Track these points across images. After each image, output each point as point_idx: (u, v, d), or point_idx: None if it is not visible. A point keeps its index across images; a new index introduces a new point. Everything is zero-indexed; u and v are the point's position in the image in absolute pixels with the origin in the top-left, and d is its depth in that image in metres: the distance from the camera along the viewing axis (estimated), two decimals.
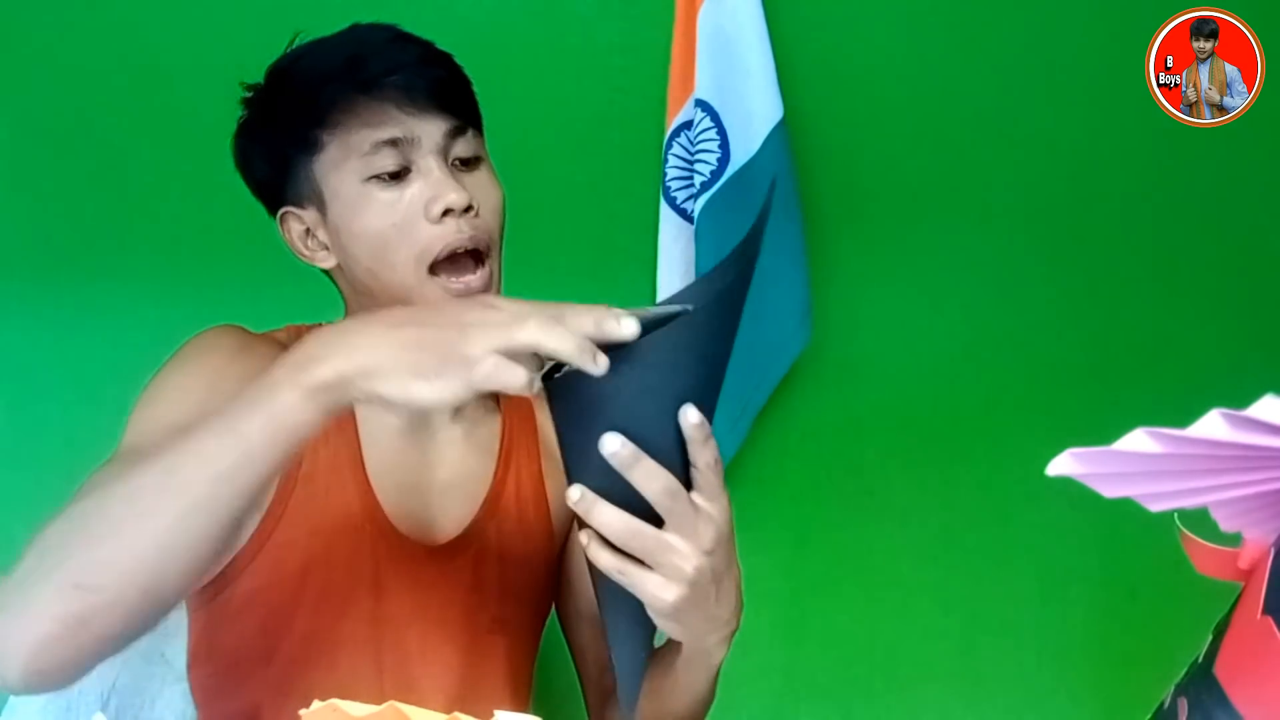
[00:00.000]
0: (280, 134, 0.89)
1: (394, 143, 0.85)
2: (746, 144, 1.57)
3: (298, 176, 0.89)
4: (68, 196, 1.59)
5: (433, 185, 0.86)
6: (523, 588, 0.97)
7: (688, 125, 1.60)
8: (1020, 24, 1.70)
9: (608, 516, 0.64)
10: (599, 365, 0.60)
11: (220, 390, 0.83)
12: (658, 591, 0.66)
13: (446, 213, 0.85)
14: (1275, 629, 0.44)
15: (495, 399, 1.01)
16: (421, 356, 0.62)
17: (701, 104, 1.57)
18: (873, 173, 1.70)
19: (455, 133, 0.88)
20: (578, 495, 0.64)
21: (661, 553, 0.65)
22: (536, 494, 0.98)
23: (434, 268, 0.86)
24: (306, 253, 0.92)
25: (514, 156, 1.65)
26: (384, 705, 0.44)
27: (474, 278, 0.87)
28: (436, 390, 0.61)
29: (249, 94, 0.92)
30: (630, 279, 1.66)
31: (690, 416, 0.64)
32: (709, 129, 1.57)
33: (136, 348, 0.91)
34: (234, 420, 0.64)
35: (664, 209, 1.63)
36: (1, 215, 1.59)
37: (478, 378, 0.60)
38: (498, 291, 0.90)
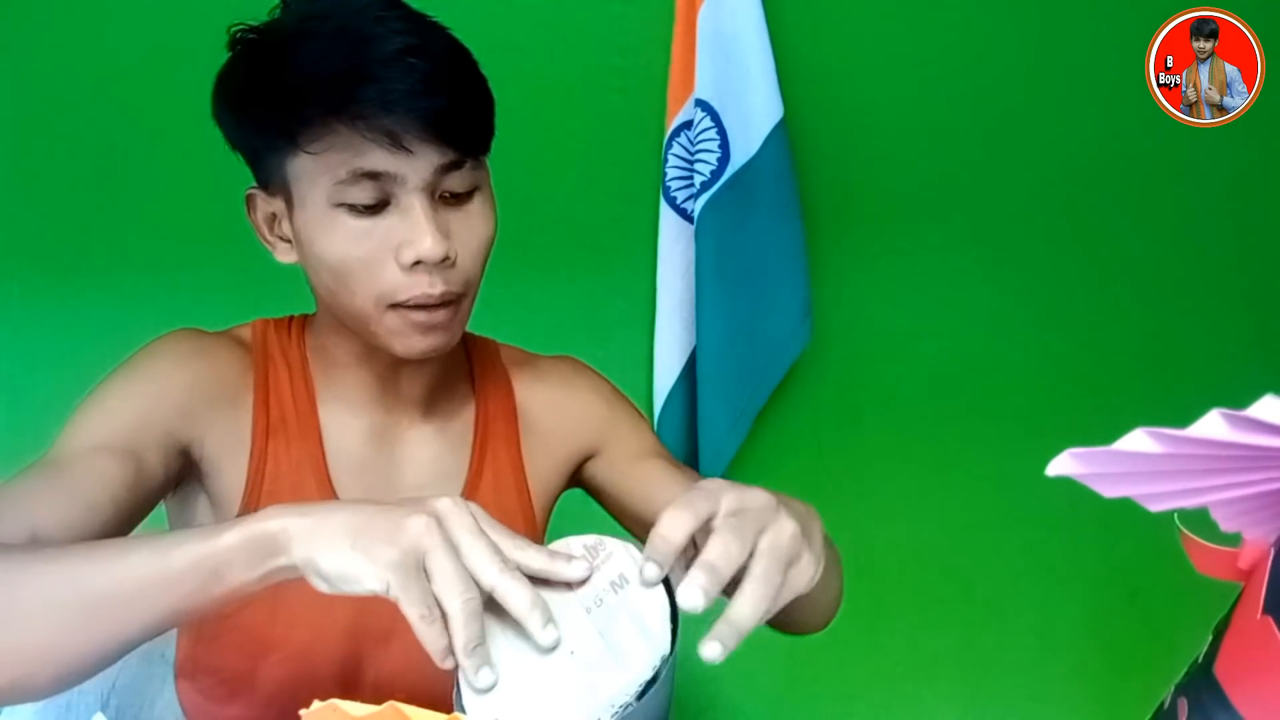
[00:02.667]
0: (252, 127, 0.80)
1: (374, 176, 0.76)
2: (746, 144, 1.57)
3: (268, 168, 0.81)
4: (66, 195, 1.59)
5: (409, 227, 0.77)
6: None
7: (688, 125, 1.60)
8: (1020, 23, 1.70)
9: None
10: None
11: (165, 401, 0.82)
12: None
13: (419, 262, 0.77)
14: (1275, 629, 0.44)
15: (470, 385, 0.97)
16: (367, 532, 0.58)
17: (701, 104, 1.57)
18: (873, 173, 1.70)
19: (450, 167, 0.78)
20: None
21: None
22: (517, 481, 0.95)
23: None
24: (270, 238, 0.85)
25: (514, 157, 1.66)
26: (384, 705, 0.44)
27: (440, 316, 0.80)
28: (360, 566, 0.57)
29: (237, 36, 0.81)
30: (630, 279, 1.66)
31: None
32: (709, 129, 1.57)
33: (137, 347, 0.90)
34: (166, 542, 0.61)
35: (664, 209, 1.63)
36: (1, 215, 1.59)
37: (400, 593, 0.57)
38: (462, 325, 0.84)
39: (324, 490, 0.87)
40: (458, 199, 0.80)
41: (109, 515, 0.73)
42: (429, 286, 0.78)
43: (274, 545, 0.60)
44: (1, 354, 1.59)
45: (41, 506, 0.70)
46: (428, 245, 0.76)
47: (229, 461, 0.86)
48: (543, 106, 1.63)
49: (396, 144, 0.75)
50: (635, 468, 0.97)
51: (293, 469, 0.87)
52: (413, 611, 0.57)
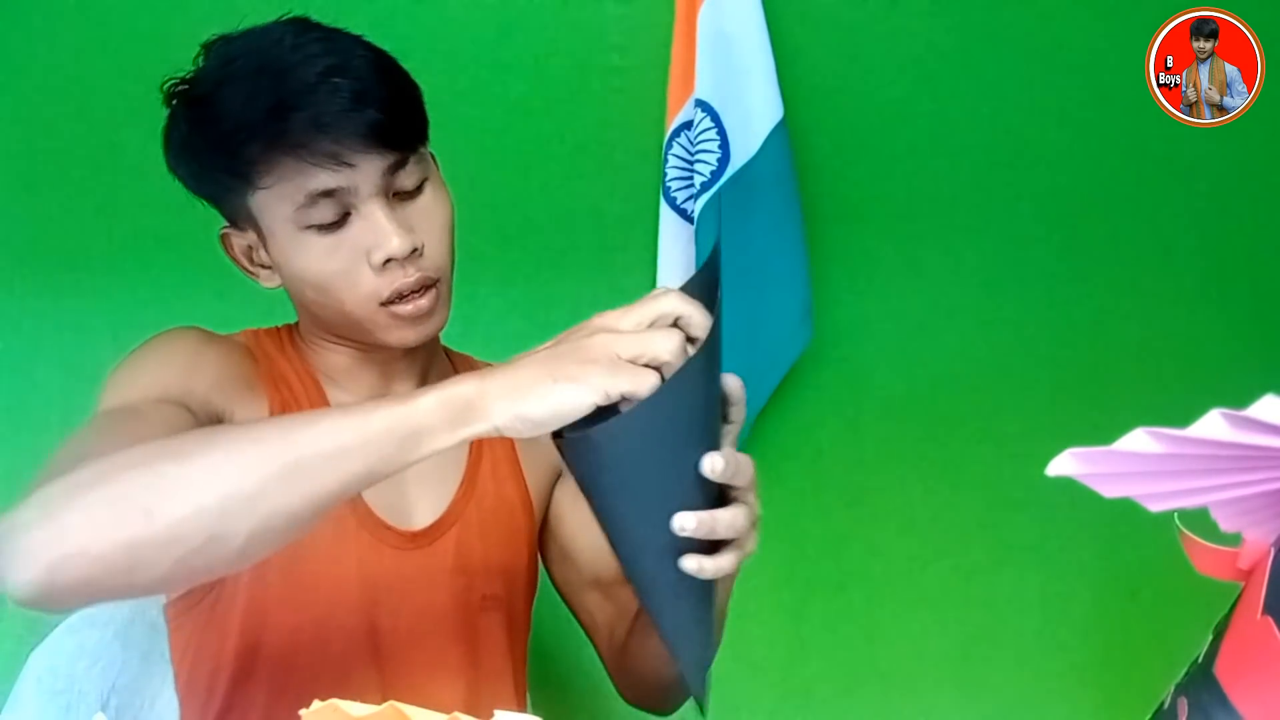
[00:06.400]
0: (205, 175, 0.86)
1: (329, 193, 0.81)
2: (746, 144, 1.57)
3: (233, 205, 0.86)
4: (65, 196, 1.59)
5: (373, 232, 0.82)
6: (509, 563, 0.98)
7: (688, 125, 1.60)
8: (1020, 24, 1.70)
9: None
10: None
11: (201, 371, 0.85)
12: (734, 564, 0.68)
13: (390, 260, 0.82)
14: (1275, 629, 0.44)
15: None
16: (560, 364, 0.63)
17: (701, 104, 1.57)
18: (873, 173, 1.70)
19: (395, 167, 0.83)
20: (693, 524, 0.64)
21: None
22: (512, 470, 0.99)
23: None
24: (251, 269, 0.90)
25: (514, 157, 1.66)
26: (384, 705, 0.44)
27: (424, 300, 0.85)
28: (574, 394, 0.61)
29: (171, 91, 0.87)
30: (630, 279, 1.66)
31: (714, 465, 0.64)
32: (709, 129, 1.57)
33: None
34: (358, 409, 0.64)
35: (664, 209, 1.63)
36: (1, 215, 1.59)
37: (623, 382, 0.61)
38: (446, 309, 0.88)
39: None
40: (410, 194, 0.85)
41: None
42: (405, 277, 0.83)
43: (472, 410, 0.63)
44: (1, 354, 1.59)
45: (138, 441, 0.70)
46: (395, 244, 0.81)
47: None
48: (542, 106, 1.63)
49: (339, 161, 0.79)
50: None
51: None
52: (646, 383, 0.61)
